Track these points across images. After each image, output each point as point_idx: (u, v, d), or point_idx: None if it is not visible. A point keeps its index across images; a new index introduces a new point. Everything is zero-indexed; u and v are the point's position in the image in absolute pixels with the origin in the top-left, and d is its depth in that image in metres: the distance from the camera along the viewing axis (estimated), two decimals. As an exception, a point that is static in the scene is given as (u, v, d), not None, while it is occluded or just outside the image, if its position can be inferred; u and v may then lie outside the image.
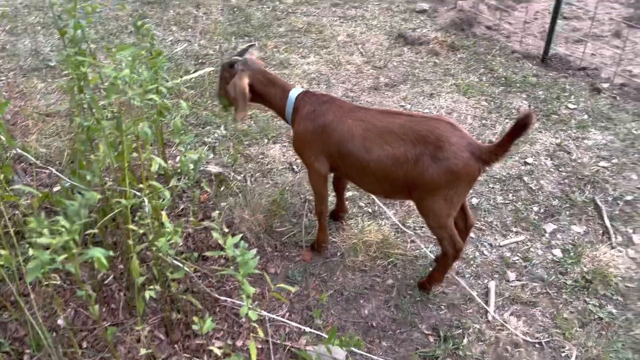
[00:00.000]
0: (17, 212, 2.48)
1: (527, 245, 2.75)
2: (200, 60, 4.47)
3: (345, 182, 2.72)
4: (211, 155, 3.28)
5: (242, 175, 3.16)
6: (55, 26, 2.05)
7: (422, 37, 4.96)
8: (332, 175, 2.69)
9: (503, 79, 4.27)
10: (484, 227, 2.87)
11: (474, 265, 2.64)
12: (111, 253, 1.30)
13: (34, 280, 2.19)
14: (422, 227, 2.84)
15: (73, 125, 2.11)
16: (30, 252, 1.68)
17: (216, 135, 3.48)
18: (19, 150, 2.38)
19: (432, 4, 5.64)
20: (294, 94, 2.44)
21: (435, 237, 2.40)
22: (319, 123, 2.33)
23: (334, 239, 2.75)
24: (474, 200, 3.04)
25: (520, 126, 1.95)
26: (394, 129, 2.17)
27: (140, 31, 2.30)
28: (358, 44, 4.87)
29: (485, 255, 2.70)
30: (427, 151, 2.09)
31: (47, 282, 1.75)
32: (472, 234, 2.82)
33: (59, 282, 1.92)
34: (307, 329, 2.27)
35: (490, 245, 2.76)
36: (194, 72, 4.13)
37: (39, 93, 3.78)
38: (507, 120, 3.75)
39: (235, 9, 5.47)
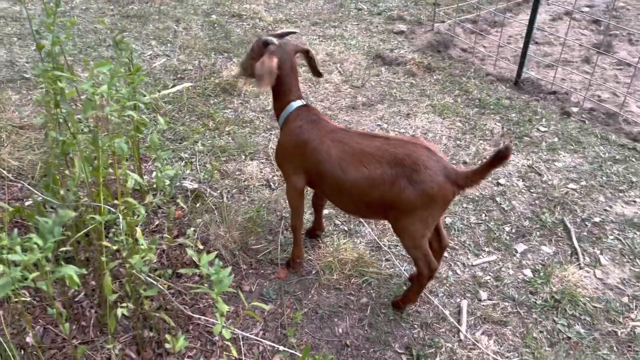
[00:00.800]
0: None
1: (499, 265, 2.81)
2: (179, 75, 4.47)
3: (324, 200, 2.74)
4: (187, 171, 3.27)
5: (218, 191, 3.15)
6: (33, 39, 2.04)
7: (399, 57, 5.06)
8: (311, 192, 2.71)
9: (477, 100, 4.37)
10: (457, 247, 2.92)
11: (447, 284, 2.68)
12: (84, 271, 1.29)
13: (3, 296, 2.15)
14: (397, 245, 2.87)
15: (48, 139, 2.09)
16: (0, 268, 1.66)
17: (193, 150, 3.48)
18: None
19: (410, 25, 5.77)
20: (295, 104, 2.46)
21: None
22: (301, 139, 2.37)
23: (309, 257, 2.76)
24: (448, 220, 3.09)
25: (500, 157, 2.00)
26: (371, 151, 2.22)
27: (119, 46, 2.30)
28: (337, 63, 4.94)
29: (458, 274, 2.75)
30: (403, 174, 2.14)
31: (16, 299, 1.72)
32: (445, 254, 2.86)
33: (28, 299, 1.88)
34: (281, 348, 2.27)
35: (463, 264, 2.81)
36: (173, 87, 4.13)
37: (13, 105, 3.72)
38: (480, 142, 3.84)
39: (215, 25, 5.50)
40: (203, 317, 2.32)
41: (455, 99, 4.40)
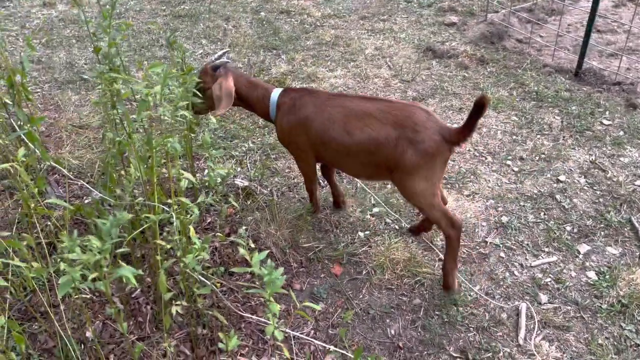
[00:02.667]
0: (49, 223, 2.53)
1: (560, 266, 2.67)
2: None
3: (332, 170, 2.87)
4: (238, 169, 3.30)
5: (268, 189, 3.16)
6: (91, 42, 2.09)
7: (451, 50, 4.91)
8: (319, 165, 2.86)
9: (534, 93, 4.18)
10: (514, 247, 2.80)
11: (504, 286, 2.57)
12: (140, 272, 1.30)
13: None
14: (451, 245, 2.78)
15: (105, 139, 2.15)
16: (62, 266, 1.71)
17: (243, 148, 3.50)
18: (53, 163, 2.43)
19: (462, 17, 5.59)
20: (275, 93, 2.60)
21: (433, 221, 2.50)
22: (300, 115, 2.49)
23: (360, 256, 2.72)
24: (504, 219, 2.97)
25: (479, 107, 2.13)
26: (374, 113, 2.34)
27: (173, 46, 2.34)
28: (386, 57, 4.85)
29: (516, 275, 2.63)
30: (405, 135, 2.27)
31: (77, 296, 1.77)
32: (502, 253, 2.75)
33: (88, 296, 1.94)
34: (333, 348, 2.25)
35: (521, 265, 2.69)
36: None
37: (72, 105, 3.87)
38: (538, 136, 3.67)
39: (264, 22, 5.53)
40: (254, 317, 2.32)
41: (511, 92, 4.22)
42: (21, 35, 5.15)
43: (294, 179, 3.26)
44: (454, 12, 5.72)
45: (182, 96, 1.83)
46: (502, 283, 2.59)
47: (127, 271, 1.20)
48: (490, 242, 2.82)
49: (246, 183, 3.11)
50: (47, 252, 2.21)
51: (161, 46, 4.95)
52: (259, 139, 3.62)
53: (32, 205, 2.03)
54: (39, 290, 2.20)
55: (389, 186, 3.21)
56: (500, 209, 3.05)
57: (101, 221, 1.17)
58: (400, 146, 2.27)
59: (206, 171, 3.18)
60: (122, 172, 1.98)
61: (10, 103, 2.58)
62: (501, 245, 2.80)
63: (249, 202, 3.02)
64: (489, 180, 3.28)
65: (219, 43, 5.07)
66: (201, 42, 5.08)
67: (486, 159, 3.47)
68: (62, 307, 2.18)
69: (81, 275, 1.50)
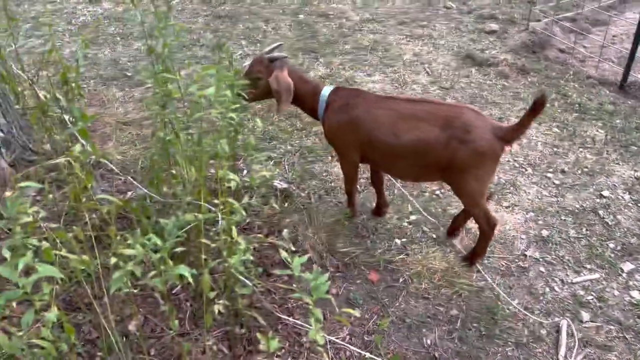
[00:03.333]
0: (94, 216, 2.60)
1: (603, 284, 2.61)
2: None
3: (382, 176, 2.87)
4: (276, 171, 3.32)
5: (306, 192, 3.17)
6: (143, 42, 2.15)
7: (491, 58, 4.85)
8: (369, 172, 2.89)
9: (577, 105, 4.10)
10: (554, 262, 2.75)
11: (544, 301, 2.53)
12: (194, 271, 1.33)
13: (106, 284, 2.28)
14: (489, 257, 2.75)
15: (155, 138, 2.19)
16: (112, 260, 1.75)
17: (281, 150, 3.53)
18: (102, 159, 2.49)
19: (502, 24, 5.52)
20: (326, 91, 2.61)
21: (472, 216, 2.57)
22: (351, 115, 2.50)
23: (396, 265, 2.71)
24: (544, 232, 2.92)
25: (538, 105, 2.18)
26: (423, 115, 2.36)
27: (222, 49, 2.37)
28: (424, 63, 4.82)
29: (557, 291, 2.58)
30: (455, 135, 2.28)
31: (126, 290, 1.81)
32: (542, 268, 2.71)
33: (135, 291, 1.98)
34: (368, 355, 2.24)
35: (562, 281, 2.64)
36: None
37: (117, 101, 3.96)
38: (580, 149, 3.59)
39: (303, 25, 5.56)
40: (292, 319, 2.34)
41: (552, 103, 4.15)
42: (67, 31, 5.30)
43: (331, 182, 3.26)
44: (495, 20, 5.66)
45: (234, 98, 1.86)
46: (541, 298, 2.54)
47: (184, 270, 1.22)
48: (529, 256, 2.78)
49: (285, 185, 3.13)
50: (94, 244, 2.27)
51: (202, 46, 5.03)
52: (297, 142, 3.64)
53: (83, 199, 2.09)
54: (85, 282, 2.26)
55: (426, 194, 3.19)
56: (540, 222, 2.99)
57: (164, 221, 1.20)
58: (451, 146, 2.29)
59: (245, 171, 3.22)
60: (173, 172, 2.02)
61: (62, 99, 2.66)
62: (541, 260, 2.76)
63: (286, 205, 3.04)
64: (529, 193, 3.22)
65: (258, 44, 5.12)
66: (241, 43, 5.14)
67: (526, 170, 3.42)
68: (106, 299, 2.24)
69: (132, 272, 1.54)
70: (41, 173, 2.81)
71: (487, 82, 4.51)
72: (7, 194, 1.48)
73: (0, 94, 2.85)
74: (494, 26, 5.47)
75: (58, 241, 1.97)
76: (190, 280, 1.29)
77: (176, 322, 1.49)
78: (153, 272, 1.28)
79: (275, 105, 2.60)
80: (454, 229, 2.86)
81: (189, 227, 2.07)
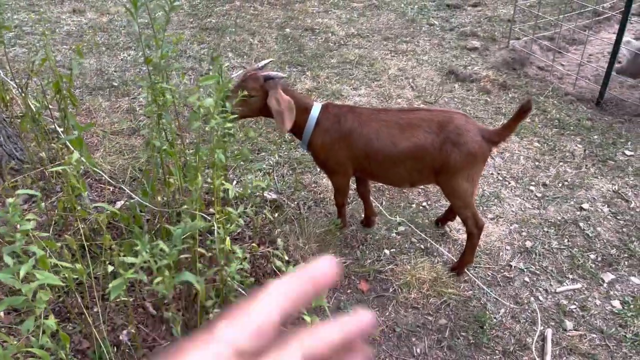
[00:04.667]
0: (83, 226, 2.58)
1: (585, 294, 2.69)
2: (255, 87, 4.59)
3: (368, 186, 2.93)
4: (266, 182, 3.34)
5: (295, 203, 3.20)
6: (142, 54, 2.17)
7: (473, 74, 4.98)
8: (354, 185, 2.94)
9: (556, 120, 4.23)
10: (538, 272, 2.82)
11: (529, 311, 2.59)
12: (200, 279, 1.34)
13: (98, 294, 2.27)
14: (476, 266, 2.81)
15: (149, 147, 2.21)
16: (109, 268, 1.75)
17: (271, 162, 3.56)
18: (90, 167, 2.48)
19: (484, 42, 5.67)
20: (316, 110, 2.62)
21: (460, 218, 2.68)
22: (344, 130, 2.56)
23: (385, 275, 2.75)
24: (528, 243, 3.00)
25: (523, 111, 2.37)
26: (417, 122, 2.48)
27: (216, 61, 2.40)
28: (409, 78, 4.92)
29: (541, 301, 2.65)
30: (449, 138, 2.41)
31: (123, 298, 1.81)
32: (526, 278, 2.78)
33: (131, 299, 1.97)
34: (360, 364, 2.26)
35: (546, 290, 2.71)
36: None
37: (103, 111, 3.95)
38: (561, 163, 3.71)
39: (289, 39, 5.63)
40: (284, 328, 2.34)
41: (533, 119, 4.27)
42: (51, 40, 5.25)
43: (320, 194, 3.30)
44: (476, 37, 5.81)
45: (231, 109, 1.89)
46: (527, 307, 2.61)
47: (190, 277, 1.24)
48: (514, 266, 2.85)
49: (274, 196, 3.16)
50: (81, 254, 2.25)
51: (189, 57, 5.05)
52: (286, 153, 3.67)
53: (77, 207, 2.09)
54: (75, 292, 2.25)
55: (413, 205, 3.25)
56: (524, 233, 3.08)
57: (172, 228, 1.21)
58: (445, 150, 2.42)
59: (235, 182, 3.24)
60: (170, 180, 2.04)
61: (54, 108, 2.65)
62: (525, 270, 2.83)
63: (276, 215, 3.07)
64: (513, 205, 3.31)
65: (245, 57, 5.16)
66: (227, 55, 5.17)
67: (509, 183, 3.51)
68: (96, 309, 2.22)
69: (130, 279, 1.54)
70: (28, 182, 2.79)
71: (470, 97, 4.63)
72: (9, 200, 1.47)
73: (-12, 101, 2.83)
74: (476, 43, 5.62)
75: (48, 250, 1.96)
76: (197, 286, 1.30)
77: (179, 328, 1.49)
78: (159, 279, 1.29)
79: (277, 125, 2.56)
80: (443, 220, 3.03)
81: (184, 235, 2.09)
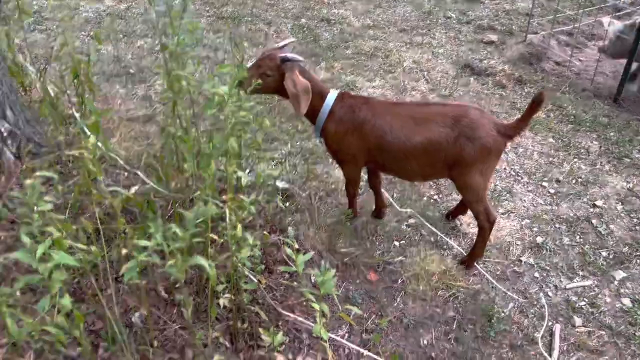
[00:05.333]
0: (98, 210, 2.63)
1: (595, 290, 2.68)
2: (269, 77, 4.60)
3: (380, 178, 2.93)
4: (279, 171, 3.36)
5: (307, 192, 3.22)
6: (159, 41, 2.19)
7: (489, 68, 4.94)
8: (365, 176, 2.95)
9: (572, 116, 4.19)
10: (548, 268, 2.82)
11: (538, 306, 2.59)
12: (212, 263, 1.37)
13: (112, 276, 2.31)
14: (486, 261, 2.82)
15: (164, 134, 2.23)
16: (124, 251, 1.79)
17: (283, 151, 3.58)
18: (106, 152, 2.52)
19: (501, 35, 5.62)
20: (331, 98, 2.61)
21: (472, 212, 2.67)
22: (358, 121, 2.56)
23: (396, 265, 2.77)
24: (539, 239, 2.99)
25: (537, 103, 2.38)
26: (431, 116, 2.48)
27: (238, 47, 2.41)
28: (424, 70, 4.90)
29: (550, 296, 2.65)
30: (463, 132, 2.41)
31: (137, 281, 1.84)
32: (536, 273, 2.78)
33: (144, 282, 2.01)
34: (366, 352, 2.29)
35: (556, 286, 2.71)
36: (265, 88, 4.25)
37: (120, 98, 3.99)
38: (575, 160, 3.68)
39: (305, 29, 5.62)
40: (292, 315, 2.38)
41: (548, 114, 4.24)
42: (70, 26, 5.30)
43: (332, 184, 3.32)
44: (493, 31, 5.75)
45: (246, 97, 1.91)
46: (536, 303, 2.61)
47: (202, 261, 1.27)
48: (524, 262, 2.84)
49: (286, 185, 3.17)
50: (96, 237, 2.29)
51: (205, 46, 5.07)
52: (298, 143, 3.69)
53: (93, 191, 2.12)
54: (90, 274, 2.29)
55: (424, 198, 3.25)
56: (535, 229, 3.07)
57: (185, 212, 1.24)
58: (459, 144, 2.42)
59: (248, 170, 3.26)
60: (185, 166, 2.07)
61: (72, 93, 2.69)
62: (535, 265, 2.82)
63: (288, 204, 3.09)
64: (525, 200, 3.30)
65: (260, 46, 5.17)
66: (243, 45, 5.18)
67: (522, 178, 3.50)
68: (110, 291, 2.27)
69: (145, 262, 1.58)
70: (46, 166, 2.84)
71: (485, 91, 4.60)
72: (28, 181, 1.51)
73: (7, 86, 2.87)
74: (493, 37, 5.57)
75: (64, 232, 2.01)
76: (209, 270, 1.33)
77: (190, 311, 1.53)
78: (171, 261, 1.32)
79: (292, 108, 2.56)
80: (454, 214, 3.03)
81: (197, 221, 2.12)
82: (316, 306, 1.80)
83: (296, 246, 2.39)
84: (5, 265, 2.30)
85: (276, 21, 5.75)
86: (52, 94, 2.72)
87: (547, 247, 2.94)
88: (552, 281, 2.73)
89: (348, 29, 5.72)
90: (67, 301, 1.54)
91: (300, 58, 2.55)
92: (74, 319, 1.78)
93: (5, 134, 2.82)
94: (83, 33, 5.19)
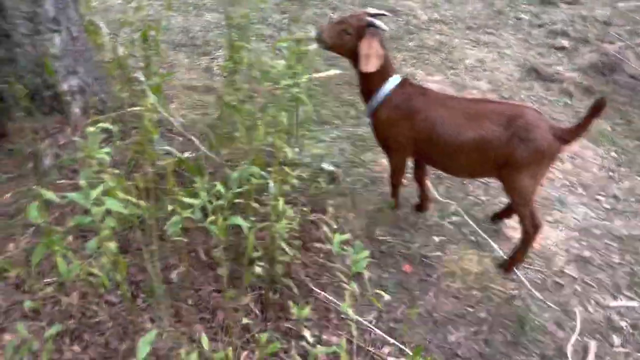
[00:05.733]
0: (152, 170, 2.75)
1: (639, 313, 2.57)
2: (328, 62, 4.62)
3: (426, 171, 2.89)
4: (326, 153, 3.40)
5: (351, 178, 3.24)
6: (225, 14, 2.25)
7: (556, 74, 4.76)
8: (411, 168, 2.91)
9: (640, 133, 3.99)
10: (592, 283, 2.71)
11: (576, 320, 2.51)
12: (248, 224, 1.41)
13: (157, 234, 2.42)
14: (526, 268, 2.75)
15: (220, 102, 2.31)
16: (170, 208, 1.87)
17: (332, 135, 3.60)
18: (167, 117, 2.63)
19: (574, 42, 5.39)
20: (393, 81, 2.59)
21: (518, 216, 2.59)
22: (412, 109, 2.54)
23: (431, 261, 2.74)
24: (586, 253, 2.88)
25: (597, 108, 2.29)
26: (486, 113, 2.44)
27: (295, 24, 2.45)
28: (487, 70, 4.78)
29: (590, 312, 2.56)
30: (517, 133, 2.36)
31: (177, 237, 1.93)
32: (578, 287, 2.68)
33: (185, 241, 2.10)
34: (392, 340, 2.30)
35: (597, 303, 2.61)
36: (325, 71, 4.28)
37: (183, 67, 4.13)
38: (637, 178, 3.50)
39: (370, 18, 5.58)
40: (323, 293, 2.41)
41: (614, 127, 4.05)
42: (145, -5, 5.52)
43: (377, 172, 3.31)
44: (566, 37, 5.52)
45: (303, 71, 1.94)
46: (573, 316, 2.53)
47: (240, 221, 1.31)
48: (567, 273, 2.75)
49: (332, 168, 3.20)
50: (146, 195, 2.40)
51: (269, 24, 5.14)
52: (349, 129, 3.70)
53: (147, 150, 2.23)
54: (138, 228, 2.41)
55: (471, 197, 3.19)
56: (583, 242, 2.96)
57: (230, 171, 1.29)
58: (512, 144, 2.37)
59: (296, 149, 3.31)
60: (236, 134, 2.13)
61: (139, 57, 2.81)
62: (578, 279, 2.73)
63: (331, 187, 3.12)
64: (576, 212, 3.18)
65: (324, 31, 5.18)
66: (306, 28, 5.22)
67: (577, 190, 3.37)
68: (153, 247, 2.38)
69: (186, 218, 1.65)
70: (108, 122, 2.99)
71: (549, 97, 4.44)
72: (89, 129, 1.61)
73: (82, 43, 3.04)
74: (565, 42, 5.35)
75: (117, 185, 2.12)
76: (246, 230, 1.38)
77: (226, 270, 1.59)
78: (212, 218, 1.38)
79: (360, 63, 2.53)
80: (500, 216, 2.96)
81: (240, 190, 2.19)
82: (352, 286, 1.82)
83: (335, 226, 2.42)
84: (61, 207, 2.45)
85: (342, 7, 5.75)
86: (122, 56, 2.86)
87: (594, 262, 2.83)
88: (594, 297, 2.64)
89: (414, 22, 5.64)
90: (113, 245, 1.63)
91: (386, 28, 2.50)
92: (117, 266, 1.88)
93: (75, 89, 2.99)
94: (157, 2, 5.38)
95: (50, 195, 1.61)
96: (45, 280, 2.29)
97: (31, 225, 2.53)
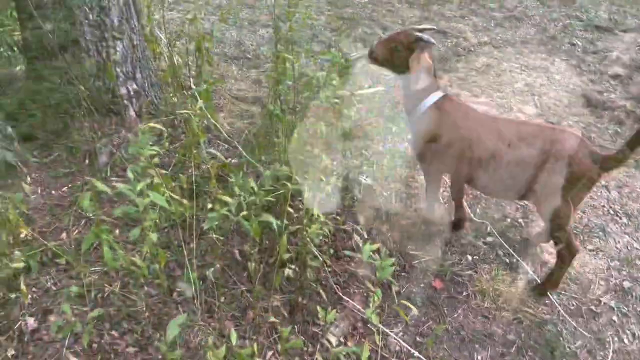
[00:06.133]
0: (197, 173, 2.89)
1: (679, 349, 2.47)
2: (375, 79, 4.70)
3: (464, 190, 2.88)
4: (364, 167, 3.46)
5: (388, 192, 3.28)
6: (274, 25, 2.38)
7: (608, 102, 4.65)
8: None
9: (694, 165, 3.83)
10: (630, 314, 2.63)
11: (610, 349, 2.44)
12: (278, 222, 1.50)
13: (197, 233, 2.54)
14: (560, 293, 2.70)
15: (264, 110, 2.42)
16: (209, 205, 1.98)
17: (372, 149, 3.66)
18: (214, 123, 2.77)
19: (629, 70, 5.25)
20: (435, 96, 2.60)
21: (552, 241, 2.59)
22: (449, 127, 2.56)
23: (462, 279, 2.74)
24: (626, 284, 2.80)
25: None
26: (524, 135, 2.42)
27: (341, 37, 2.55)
28: (535, 95, 4.73)
29: (625, 343, 2.48)
30: (554, 157, 2.34)
31: (215, 235, 2.04)
32: (615, 317, 2.61)
33: (222, 238, 2.20)
34: (417, 354, 2.31)
35: (634, 335, 2.53)
36: (368, 88, 4.36)
37: (233, 78, 4.31)
38: (687, 211, 3.37)
39: (419, 38, 5.64)
40: (351, 302, 2.46)
41: (666, 158, 3.91)
42: (203, 8, 5.80)
43: (415, 189, 3.34)
44: (621, 64, 5.39)
45: (341, 85, 2.03)
46: (608, 346, 2.46)
47: (270, 217, 1.40)
48: (604, 303, 2.68)
49: (369, 181, 3.26)
50: (189, 195, 2.54)
51: (319, 42, 5.29)
52: (390, 145, 3.75)
53: (194, 151, 2.37)
54: (179, 226, 2.54)
55: (508, 219, 3.17)
56: (624, 272, 2.87)
57: (263, 170, 1.38)
58: (548, 168, 2.36)
59: (333, 161, 3.39)
60: (275, 140, 2.24)
61: (192, 66, 2.98)
62: (616, 309, 2.65)
63: (366, 199, 3.17)
64: (618, 242, 3.09)
65: (372, 49, 5.28)
66: (356, 45, 5.34)
67: (621, 219, 3.28)
68: (192, 245, 2.50)
69: (225, 215, 1.75)
70: (160, 126, 3.17)
71: (598, 125, 4.34)
72: (141, 126, 1.74)
73: (141, 51, 3.25)
74: (619, 70, 5.22)
75: (163, 182, 2.25)
76: (275, 227, 1.46)
77: (253, 265, 1.67)
78: (244, 213, 1.47)
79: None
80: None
81: (275, 193, 2.28)
82: (378, 294, 1.86)
83: (366, 236, 2.47)
84: (111, 202, 2.62)
85: (393, 27, 5.84)
86: (176, 64, 3.04)
87: (634, 293, 2.74)
88: (632, 328, 2.55)
89: (463, 44, 5.66)
90: (154, 236, 1.75)
91: (433, 42, 2.55)
92: (159, 260, 2.01)
93: (132, 93, 3.19)
94: (214, 17, 5.64)
95: (101, 186, 1.75)
96: (91, 269, 2.45)
97: (83, 217, 2.72)
